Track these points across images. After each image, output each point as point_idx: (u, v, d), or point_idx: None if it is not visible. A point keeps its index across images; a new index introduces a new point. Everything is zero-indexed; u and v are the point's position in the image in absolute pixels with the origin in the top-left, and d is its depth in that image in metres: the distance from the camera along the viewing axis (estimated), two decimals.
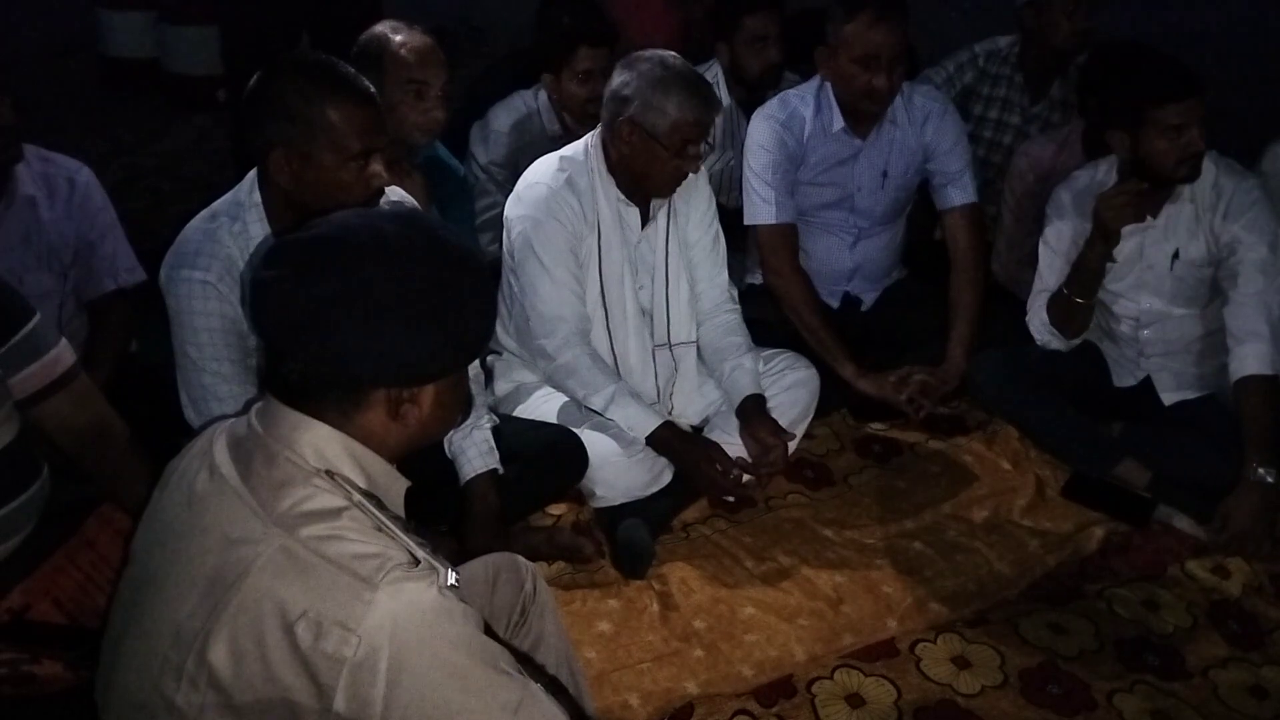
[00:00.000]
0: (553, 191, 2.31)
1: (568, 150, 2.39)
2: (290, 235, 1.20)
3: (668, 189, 2.35)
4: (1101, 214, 2.42)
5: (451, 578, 1.12)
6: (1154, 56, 2.43)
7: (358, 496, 1.15)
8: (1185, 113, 2.31)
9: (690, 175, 2.34)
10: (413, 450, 1.27)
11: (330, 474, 1.15)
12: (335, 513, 1.12)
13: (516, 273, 2.36)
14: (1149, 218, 2.47)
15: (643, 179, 2.32)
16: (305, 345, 1.14)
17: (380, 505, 1.16)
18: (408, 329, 1.13)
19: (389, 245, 1.15)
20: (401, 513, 1.23)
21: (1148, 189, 2.40)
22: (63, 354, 1.74)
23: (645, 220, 2.41)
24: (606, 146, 2.35)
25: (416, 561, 1.11)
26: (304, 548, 1.09)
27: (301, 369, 1.16)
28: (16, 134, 2.16)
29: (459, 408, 1.28)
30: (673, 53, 2.29)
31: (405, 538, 1.13)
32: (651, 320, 2.46)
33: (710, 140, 2.35)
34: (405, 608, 1.07)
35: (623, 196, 2.36)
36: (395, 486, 1.25)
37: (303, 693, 1.07)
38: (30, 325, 1.69)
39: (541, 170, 2.36)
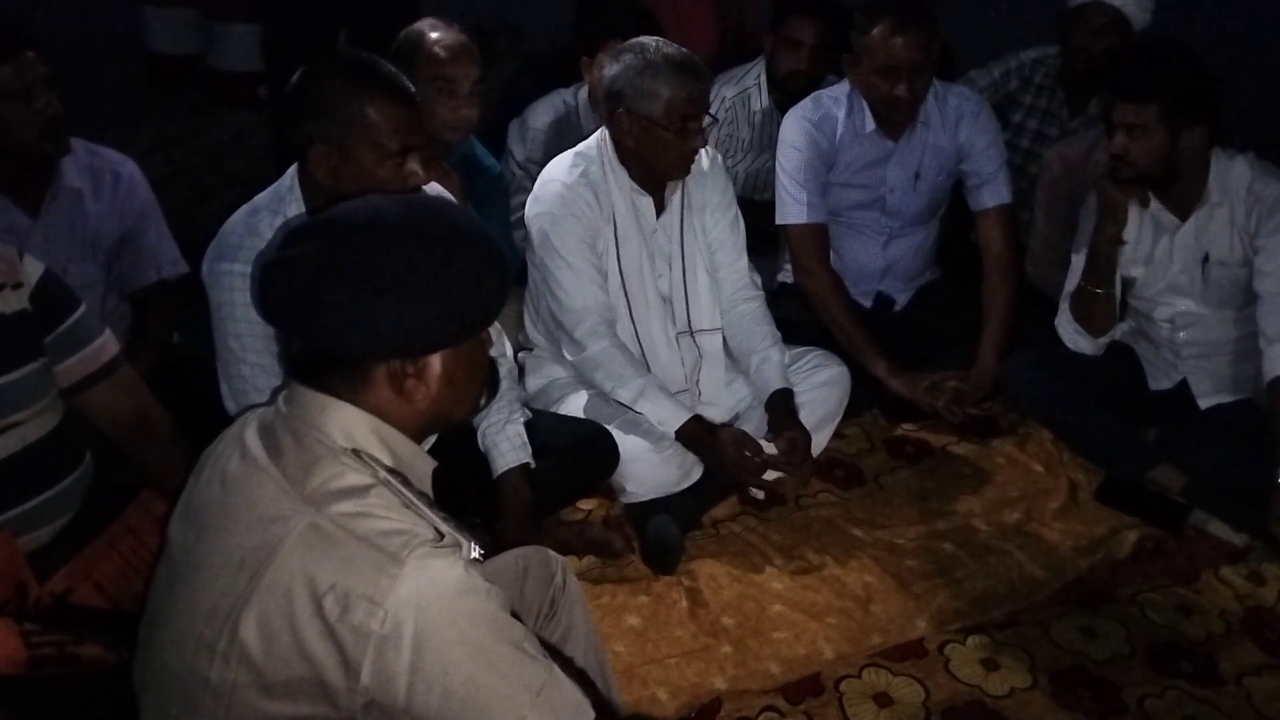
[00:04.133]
0: (567, 187, 2.33)
1: (583, 146, 2.42)
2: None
3: (680, 170, 2.35)
4: (1103, 190, 2.45)
5: (476, 551, 1.14)
6: (1140, 55, 2.42)
7: (384, 474, 1.17)
8: (1120, 113, 2.33)
9: (704, 163, 2.37)
10: (435, 430, 1.29)
11: (357, 453, 1.18)
12: (363, 490, 1.15)
13: (540, 269, 2.38)
14: (1178, 221, 2.46)
15: (653, 164, 2.34)
16: (301, 321, 1.17)
17: (406, 483, 1.18)
18: (396, 300, 1.14)
19: (381, 221, 1.18)
20: (429, 491, 1.25)
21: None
22: (107, 343, 1.78)
23: (660, 209, 2.43)
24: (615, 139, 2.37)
25: (442, 537, 1.13)
26: (333, 524, 1.11)
27: (304, 347, 1.20)
28: (64, 126, 2.20)
29: (474, 387, 1.28)
30: (654, 38, 2.31)
31: (431, 514, 1.16)
32: (672, 308, 2.47)
33: (713, 114, 2.37)
34: (430, 583, 1.09)
35: (636, 186, 2.38)
36: (422, 466, 1.26)
37: (331, 667, 1.10)
38: (77, 315, 1.73)
39: (556, 168, 2.39)
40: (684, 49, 2.29)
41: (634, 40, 2.31)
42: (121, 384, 1.79)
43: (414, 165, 1.83)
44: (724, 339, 2.54)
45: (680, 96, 2.23)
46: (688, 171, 2.37)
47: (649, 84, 2.23)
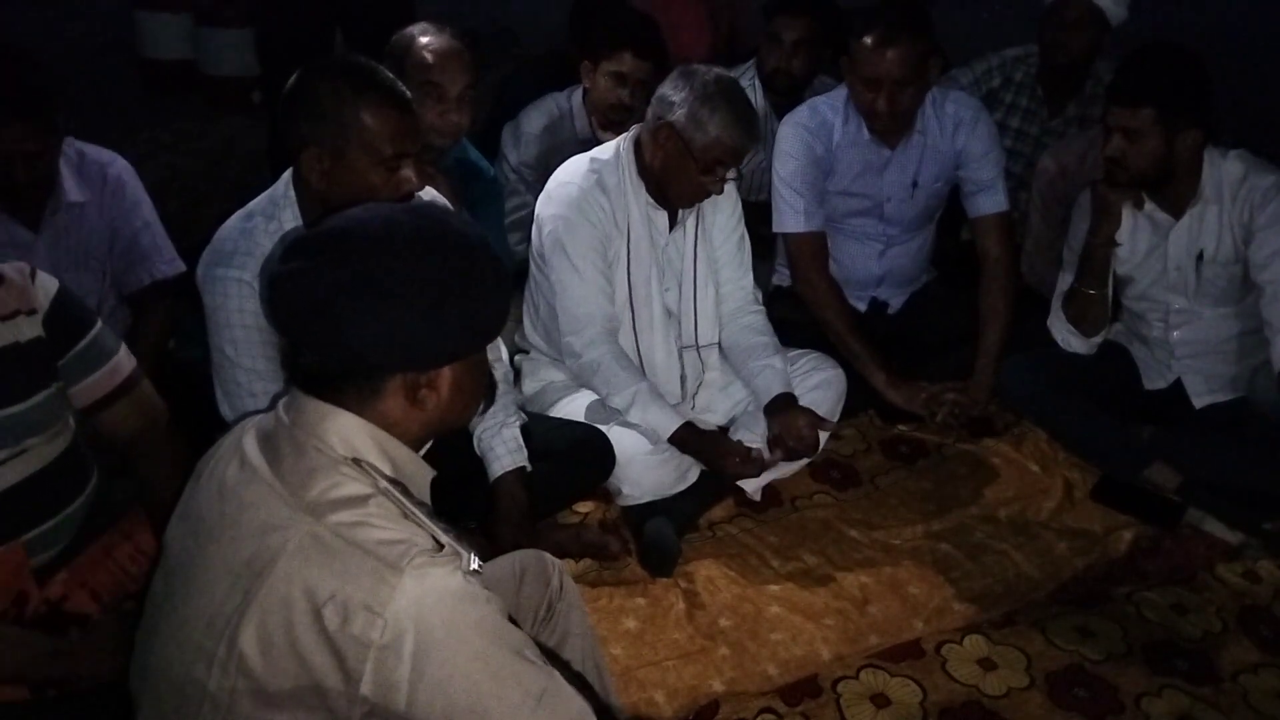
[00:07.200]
0: (584, 191, 2.33)
1: (599, 151, 2.42)
2: (306, 230, 1.22)
3: (687, 201, 2.38)
4: (1098, 194, 2.47)
5: (475, 563, 1.14)
6: (1135, 59, 2.42)
7: (384, 484, 1.17)
8: (1115, 117, 2.35)
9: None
10: (436, 436, 1.29)
11: (357, 462, 1.17)
12: (362, 499, 1.14)
13: (546, 271, 2.38)
14: (1172, 219, 2.47)
15: (667, 185, 2.35)
16: (319, 335, 1.16)
17: (406, 492, 1.18)
18: (416, 314, 1.15)
19: (397, 234, 1.18)
20: (428, 500, 1.25)
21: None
22: (123, 361, 1.75)
23: (673, 224, 2.43)
24: (639, 148, 2.37)
25: (441, 547, 1.13)
26: (332, 533, 1.11)
27: (317, 359, 1.19)
28: (48, 161, 2.19)
29: (479, 393, 1.29)
30: (736, 80, 2.32)
31: (430, 524, 1.16)
32: (679, 323, 2.48)
33: (742, 170, 2.38)
34: (430, 592, 1.09)
35: (651, 200, 2.38)
36: (421, 474, 1.26)
37: (331, 677, 1.09)
38: (92, 334, 1.70)
39: (573, 170, 2.39)
40: (752, 103, 2.31)
41: (716, 71, 2.30)
42: (138, 400, 1.77)
43: (407, 171, 1.82)
44: (719, 348, 2.55)
45: (725, 143, 2.24)
46: (694, 205, 2.39)
47: (704, 115, 2.23)
